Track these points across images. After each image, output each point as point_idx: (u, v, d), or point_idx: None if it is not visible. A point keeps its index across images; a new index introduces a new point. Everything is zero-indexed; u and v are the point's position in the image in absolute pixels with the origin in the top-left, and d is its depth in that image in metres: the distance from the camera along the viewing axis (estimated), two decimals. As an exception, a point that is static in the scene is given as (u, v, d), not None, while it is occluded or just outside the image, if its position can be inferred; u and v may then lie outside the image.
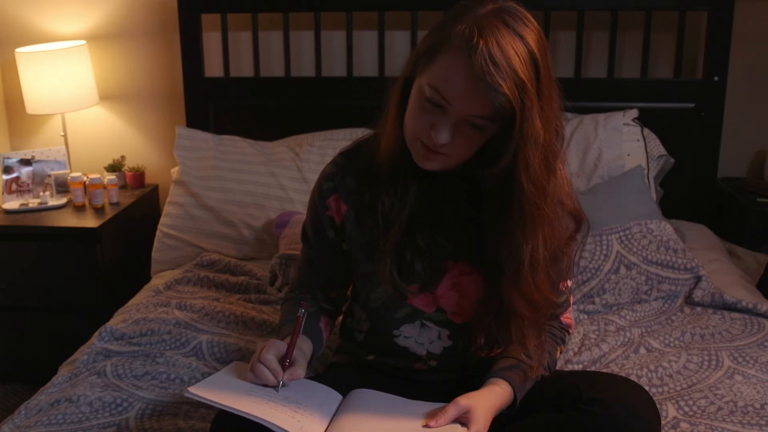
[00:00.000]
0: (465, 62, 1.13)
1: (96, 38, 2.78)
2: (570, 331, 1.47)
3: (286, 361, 1.26)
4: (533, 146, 1.16)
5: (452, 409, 1.21)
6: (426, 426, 1.20)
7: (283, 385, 1.25)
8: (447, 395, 1.27)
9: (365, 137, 1.43)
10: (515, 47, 1.13)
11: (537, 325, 1.30)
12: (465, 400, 1.22)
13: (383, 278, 1.34)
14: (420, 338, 1.40)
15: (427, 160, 1.24)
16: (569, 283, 1.43)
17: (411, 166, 1.30)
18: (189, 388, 1.20)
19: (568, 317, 1.46)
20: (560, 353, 1.43)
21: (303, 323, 1.30)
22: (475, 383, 1.30)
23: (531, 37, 1.15)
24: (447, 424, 1.20)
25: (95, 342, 1.82)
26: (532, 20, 1.18)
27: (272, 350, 1.26)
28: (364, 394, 1.32)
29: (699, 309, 1.90)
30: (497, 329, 1.32)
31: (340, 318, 1.57)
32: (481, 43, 1.12)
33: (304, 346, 1.35)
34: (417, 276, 1.35)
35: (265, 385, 1.25)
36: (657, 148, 2.42)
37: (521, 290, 1.25)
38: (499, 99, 1.12)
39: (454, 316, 1.38)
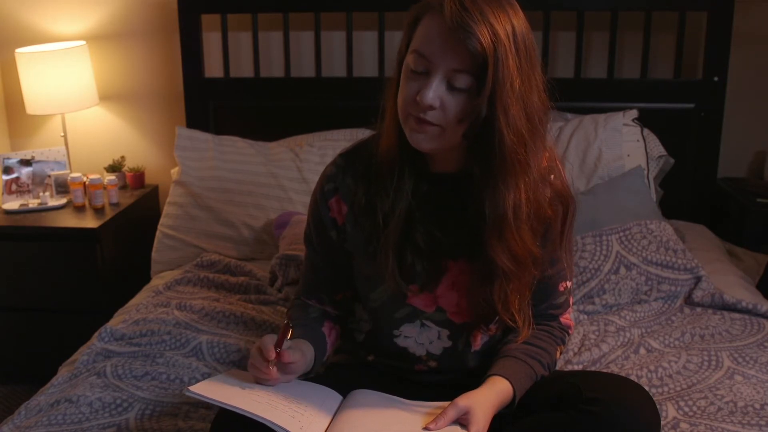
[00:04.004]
0: (439, 16, 1.18)
1: (96, 38, 2.78)
2: (570, 332, 1.47)
3: (277, 349, 1.26)
4: (509, 92, 1.17)
5: (451, 411, 1.21)
6: (425, 429, 1.20)
7: (273, 365, 1.25)
8: (447, 396, 1.27)
9: (365, 138, 1.44)
10: (489, 4, 1.17)
11: (520, 285, 1.30)
12: (464, 401, 1.22)
13: (384, 277, 1.34)
14: (420, 338, 1.40)
15: (420, 133, 1.23)
16: (569, 284, 1.44)
17: (409, 162, 1.31)
18: (189, 387, 1.20)
19: (567, 318, 1.46)
20: (560, 354, 1.43)
21: (288, 333, 1.28)
22: (474, 384, 1.30)
23: (510, 9, 1.20)
24: (446, 426, 1.20)
25: (95, 342, 1.82)
26: (517, 4, 1.22)
27: (268, 338, 1.26)
28: (364, 395, 1.32)
29: (699, 309, 1.90)
30: (486, 300, 1.32)
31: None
32: None
33: (304, 347, 1.35)
34: (417, 276, 1.35)
35: (260, 383, 1.26)
36: (657, 148, 2.42)
37: (505, 241, 1.25)
38: (473, 43, 1.15)
39: (454, 316, 1.38)
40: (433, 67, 1.20)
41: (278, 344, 1.26)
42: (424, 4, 1.23)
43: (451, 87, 1.20)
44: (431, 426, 1.20)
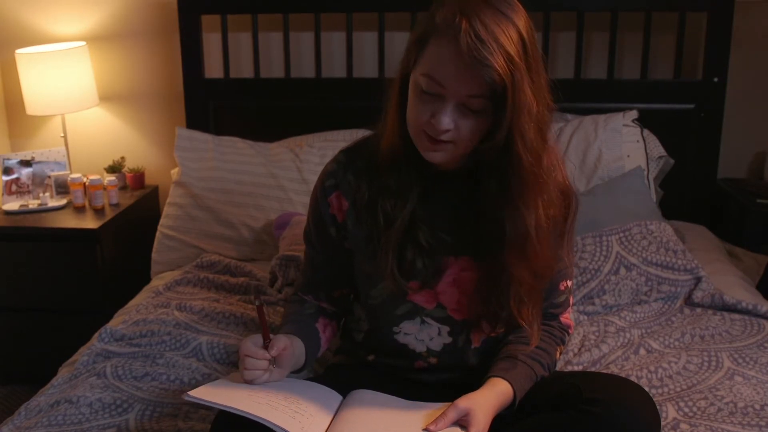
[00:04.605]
0: (452, 44, 1.16)
1: (96, 39, 2.78)
2: (569, 331, 1.47)
3: (265, 343, 1.28)
4: (527, 116, 1.19)
5: (452, 413, 1.21)
6: (426, 429, 1.20)
7: (273, 363, 1.27)
8: (447, 396, 1.27)
9: (366, 136, 1.44)
10: (499, 23, 1.16)
11: (535, 293, 1.32)
12: (464, 403, 1.22)
13: (384, 275, 1.34)
14: (420, 335, 1.40)
15: (434, 151, 1.25)
16: (569, 283, 1.44)
17: (412, 163, 1.31)
18: (188, 393, 1.20)
19: (567, 318, 1.46)
20: (560, 354, 1.43)
21: (264, 312, 1.31)
22: (475, 383, 1.30)
23: (515, 15, 1.19)
24: (447, 428, 1.20)
25: (95, 343, 1.82)
26: (517, 3, 1.21)
27: (249, 341, 1.28)
28: (364, 395, 1.32)
29: (699, 310, 1.89)
30: (498, 304, 1.33)
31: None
32: (464, 22, 1.15)
33: (293, 342, 1.35)
34: (418, 273, 1.35)
35: (250, 382, 1.26)
36: (657, 149, 2.42)
37: (527, 258, 1.27)
38: (490, 74, 1.15)
39: (455, 313, 1.38)
40: (448, 93, 1.20)
41: (265, 336, 1.28)
42: (432, 25, 1.20)
43: (465, 109, 1.21)
44: (431, 427, 1.20)
